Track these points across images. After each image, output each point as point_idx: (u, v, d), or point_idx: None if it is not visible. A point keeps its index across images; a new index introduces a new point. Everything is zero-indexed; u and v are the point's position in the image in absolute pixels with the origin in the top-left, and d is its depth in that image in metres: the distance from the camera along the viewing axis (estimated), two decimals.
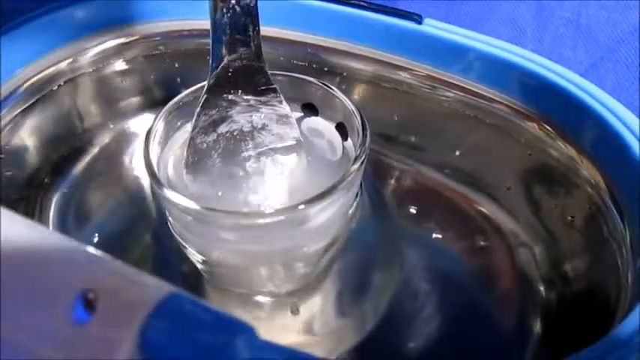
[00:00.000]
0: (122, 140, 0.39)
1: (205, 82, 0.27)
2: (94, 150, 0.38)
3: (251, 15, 0.26)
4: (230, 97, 0.27)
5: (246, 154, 0.29)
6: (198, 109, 0.27)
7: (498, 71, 0.32)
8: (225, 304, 0.32)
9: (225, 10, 0.25)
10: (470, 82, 0.34)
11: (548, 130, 0.31)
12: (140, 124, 0.39)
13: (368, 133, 0.27)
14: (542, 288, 0.31)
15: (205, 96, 0.27)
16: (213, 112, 0.28)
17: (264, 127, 0.29)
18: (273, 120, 0.29)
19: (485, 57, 0.33)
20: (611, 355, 0.20)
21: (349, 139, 0.29)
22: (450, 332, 0.30)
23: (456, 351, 0.30)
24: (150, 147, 0.27)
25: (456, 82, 0.34)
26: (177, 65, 0.39)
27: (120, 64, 0.38)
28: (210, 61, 0.26)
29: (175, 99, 0.29)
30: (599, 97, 0.29)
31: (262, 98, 0.28)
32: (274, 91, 0.28)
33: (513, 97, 0.32)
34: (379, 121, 0.37)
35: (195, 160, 0.28)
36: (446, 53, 0.34)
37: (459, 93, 0.34)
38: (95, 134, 0.38)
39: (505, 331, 0.31)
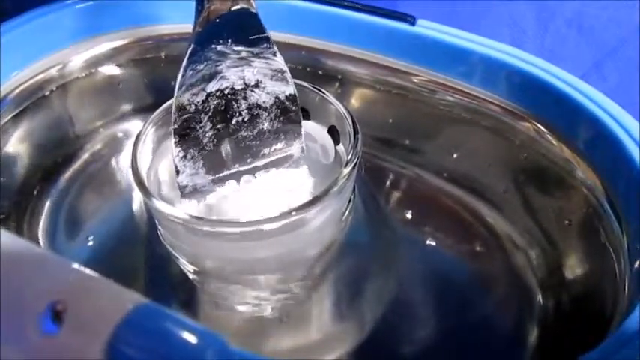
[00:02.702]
0: (114, 146, 0.38)
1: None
2: (86, 156, 0.38)
3: None
4: (219, 47, 0.25)
5: (239, 118, 0.27)
6: (185, 62, 0.25)
7: (494, 73, 0.32)
8: (216, 311, 0.32)
9: None
10: (466, 85, 0.33)
11: (543, 131, 0.31)
12: (132, 129, 0.38)
13: (359, 136, 0.26)
14: (539, 292, 0.31)
15: (192, 46, 0.24)
16: (201, 66, 0.25)
17: (257, 85, 0.27)
18: (267, 75, 0.27)
19: (482, 59, 0.32)
20: (616, 355, 0.20)
21: (341, 143, 0.29)
22: (446, 338, 0.30)
23: (452, 355, 0.30)
24: (138, 155, 0.26)
25: (453, 85, 0.34)
26: (168, 69, 0.38)
27: (111, 69, 0.38)
28: (195, 5, 0.24)
29: (165, 105, 0.28)
30: (595, 98, 0.29)
31: (254, 49, 0.26)
32: (267, 40, 0.26)
33: (508, 98, 0.32)
34: (375, 125, 0.37)
35: (184, 131, 0.26)
36: (442, 56, 0.34)
37: (455, 95, 0.34)
38: (87, 140, 0.38)
39: (502, 337, 0.30)
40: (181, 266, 0.29)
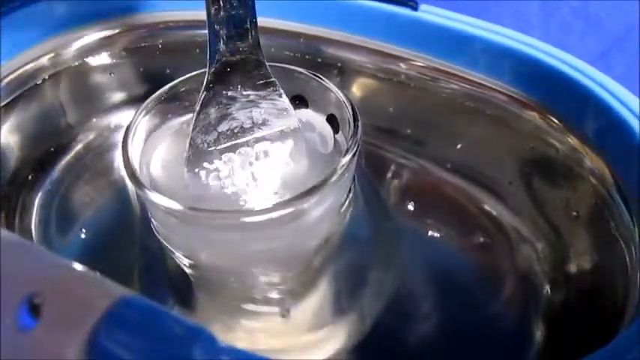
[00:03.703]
0: (107, 136, 0.38)
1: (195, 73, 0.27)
2: (79, 146, 0.37)
3: (247, 7, 0.25)
4: (229, 93, 0.27)
5: (246, 149, 0.28)
6: (198, 107, 0.26)
7: (499, 59, 0.31)
8: (213, 307, 0.31)
9: (221, 3, 0.25)
10: (470, 72, 0.33)
11: (550, 120, 0.30)
12: (126, 119, 0.37)
13: (359, 124, 0.26)
14: (545, 287, 0.30)
15: (204, 94, 0.26)
16: (213, 110, 0.27)
17: (264, 123, 0.28)
18: (274, 114, 0.28)
19: (486, 44, 0.32)
20: (629, 354, 0.19)
21: (340, 131, 0.28)
22: (448, 334, 0.29)
23: (455, 353, 0.29)
24: (129, 145, 0.26)
25: (456, 72, 0.33)
26: (164, 58, 0.38)
27: (104, 58, 0.37)
28: (208, 58, 0.26)
29: (157, 93, 0.28)
30: (604, 83, 0.28)
31: (262, 92, 0.27)
32: (273, 84, 0.27)
33: (514, 86, 0.31)
34: (376, 114, 0.36)
35: (196, 161, 0.27)
36: (445, 42, 0.33)
37: (458, 83, 0.33)
38: (79, 130, 0.37)
39: (506, 333, 0.30)
40: (177, 260, 0.28)
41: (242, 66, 0.26)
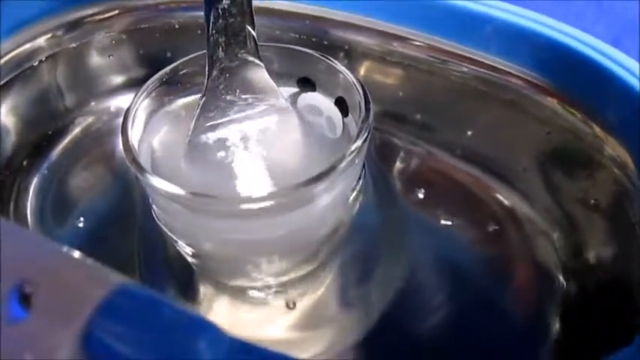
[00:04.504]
0: (106, 120, 0.37)
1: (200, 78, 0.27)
2: (77, 130, 0.36)
3: (246, 14, 0.25)
4: (228, 97, 0.27)
5: (250, 135, 0.28)
6: (197, 112, 0.26)
7: (513, 40, 0.30)
8: (217, 297, 0.31)
9: (220, 11, 0.25)
10: (482, 54, 0.32)
11: (569, 105, 0.29)
12: (125, 103, 0.36)
13: (371, 106, 0.25)
14: (561, 279, 0.30)
15: (203, 99, 0.26)
16: (212, 114, 0.27)
17: (263, 123, 0.28)
18: (273, 114, 0.28)
19: (499, 25, 0.31)
20: None
21: (350, 115, 0.27)
22: (459, 327, 0.29)
23: (466, 347, 0.28)
24: (129, 128, 0.25)
25: (467, 55, 0.32)
26: (164, 40, 0.37)
27: (103, 39, 0.36)
28: (207, 64, 0.26)
29: (157, 75, 0.27)
30: (629, 66, 0.27)
31: (260, 95, 0.27)
32: (272, 88, 0.27)
33: (530, 69, 0.30)
34: (383, 99, 0.35)
35: (196, 158, 0.27)
36: (457, 22, 0.32)
37: (470, 66, 0.32)
38: (77, 114, 0.37)
39: (520, 327, 0.29)
40: (179, 249, 0.27)
41: (241, 72, 0.27)
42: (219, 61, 0.26)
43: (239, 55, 0.26)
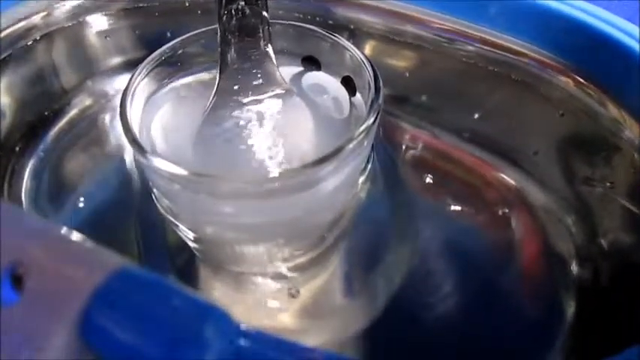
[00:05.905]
0: (103, 101, 0.37)
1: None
2: (73, 111, 0.36)
3: (261, 15, 0.25)
4: (239, 97, 0.26)
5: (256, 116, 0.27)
6: (208, 111, 0.26)
7: (525, 18, 0.30)
8: (218, 283, 0.30)
9: (233, 12, 0.25)
10: (492, 32, 0.31)
11: (586, 85, 0.29)
12: (123, 84, 0.36)
13: (381, 85, 0.24)
14: (574, 265, 0.29)
15: (215, 98, 0.26)
16: (222, 111, 0.26)
17: (272, 115, 0.27)
18: (278, 98, 0.27)
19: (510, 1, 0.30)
20: None
21: (358, 94, 0.27)
22: (469, 315, 0.28)
23: (476, 336, 0.28)
24: (128, 108, 0.25)
25: (476, 33, 0.32)
26: (163, 20, 0.37)
27: (100, 19, 0.36)
28: (219, 65, 0.26)
29: (155, 53, 0.27)
30: None
31: (270, 92, 0.27)
32: (283, 85, 0.27)
33: (543, 47, 0.30)
34: (389, 80, 0.33)
35: (200, 140, 0.27)
36: None
37: (479, 45, 0.32)
38: (74, 94, 0.36)
39: (532, 315, 0.28)
40: (180, 233, 0.27)
41: (253, 72, 0.26)
42: (231, 63, 0.26)
43: (251, 55, 0.26)
